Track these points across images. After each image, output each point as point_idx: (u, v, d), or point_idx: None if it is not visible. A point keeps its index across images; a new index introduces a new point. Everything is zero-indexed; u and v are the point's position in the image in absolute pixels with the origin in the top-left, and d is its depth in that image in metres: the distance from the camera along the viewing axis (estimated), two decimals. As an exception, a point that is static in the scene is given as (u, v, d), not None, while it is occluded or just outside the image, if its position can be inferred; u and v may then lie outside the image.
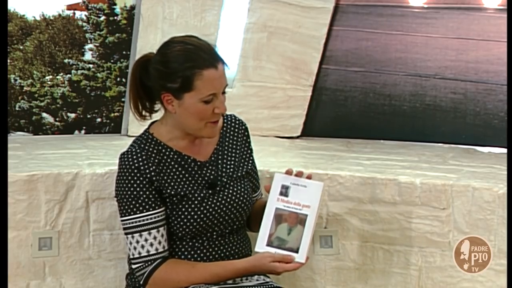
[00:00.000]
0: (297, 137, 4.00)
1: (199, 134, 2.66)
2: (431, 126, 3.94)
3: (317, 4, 3.84)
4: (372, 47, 3.97)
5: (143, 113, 2.72)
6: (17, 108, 3.87)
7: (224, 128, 2.78)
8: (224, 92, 2.62)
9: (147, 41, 3.77)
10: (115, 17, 3.89)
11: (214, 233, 2.68)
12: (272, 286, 2.65)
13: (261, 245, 2.62)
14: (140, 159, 2.62)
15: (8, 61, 3.79)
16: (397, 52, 3.95)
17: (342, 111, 4.02)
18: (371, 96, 3.99)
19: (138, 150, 2.64)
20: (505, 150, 3.72)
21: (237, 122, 2.82)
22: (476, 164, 3.43)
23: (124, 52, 3.91)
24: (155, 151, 2.66)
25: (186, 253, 2.67)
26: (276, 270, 2.59)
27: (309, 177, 2.67)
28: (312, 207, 2.61)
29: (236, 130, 2.80)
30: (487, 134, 3.88)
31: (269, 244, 2.61)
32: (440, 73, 3.92)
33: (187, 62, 2.56)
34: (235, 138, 2.79)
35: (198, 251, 2.67)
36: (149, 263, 2.62)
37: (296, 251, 2.59)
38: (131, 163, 2.61)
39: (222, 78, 2.60)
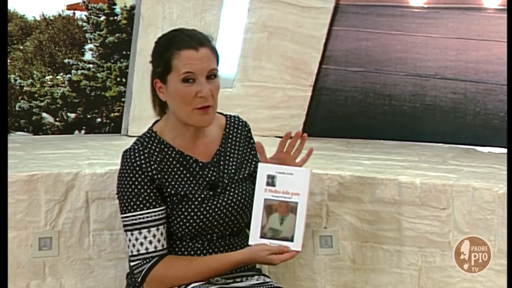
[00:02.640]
0: (297, 137, 3.99)
1: (189, 121, 2.63)
2: (431, 126, 3.94)
3: (317, 4, 3.84)
4: (372, 47, 3.97)
5: (157, 108, 2.73)
6: (17, 108, 3.87)
7: (227, 129, 2.77)
8: (209, 78, 2.60)
9: (147, 41, 3.76)
10: (115, 17, 3.89)
11: (214, 234, 2.68)
12: (272, 286, 2.64)
13: (254, 238, 2.58)
14: (142, 157, 2.62)
15: (8, 61, 3.79)
16: (397, 52, 3.95)
17: (342, 111, 4.02)
18: (371, 96, 3.99)
19: (140, 148, 2.64)
20: (505, 150, 3.72)
21: (240, 123, 2.81)
22: (476, 164, 3.43)
23: (124, 52, 3.91)
24: (157, 149, 2.66)
25: (186, 253, 2.67)
26: (273, 262, 2.58)
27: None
28: (301, 194, 2.57)
29: (239, 131, 2.79)
30: (487, 134, 3.87)
31: (263, 236, 2.57)
32: (440, 73, 3.92)
33: (168, 45, 2.61)
34: (237, 140, 2.78)
35: (198, 252, 2.67)
36: (147, 260, 2.61)
37: (291, 240, 2.56)
38: (133, 160, 2.61)
39: (203, 61, 2.59)
